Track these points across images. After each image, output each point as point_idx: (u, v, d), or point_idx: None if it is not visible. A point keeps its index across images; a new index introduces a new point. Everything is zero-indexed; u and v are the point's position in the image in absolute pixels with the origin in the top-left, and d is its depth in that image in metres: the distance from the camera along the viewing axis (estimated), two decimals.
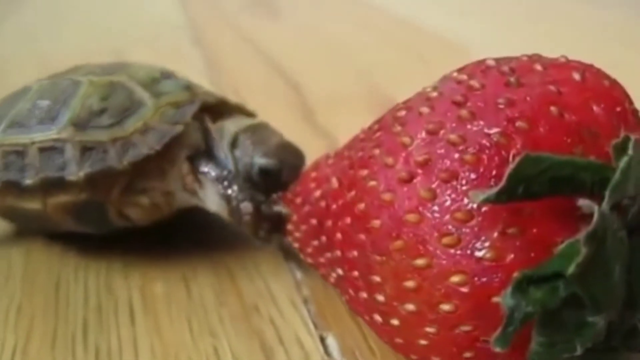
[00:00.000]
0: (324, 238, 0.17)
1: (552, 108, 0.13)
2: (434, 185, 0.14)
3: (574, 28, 0.51)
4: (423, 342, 0.14)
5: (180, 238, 0.23)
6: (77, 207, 0.21)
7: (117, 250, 0.23)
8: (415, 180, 0.14)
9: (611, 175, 0.12)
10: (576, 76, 0.14)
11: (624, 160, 0.12)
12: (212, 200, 0.21)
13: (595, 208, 0.12)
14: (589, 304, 0.12)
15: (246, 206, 0.20)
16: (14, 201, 0.21)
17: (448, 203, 0.13)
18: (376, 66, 0.44)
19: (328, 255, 0.17)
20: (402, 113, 0.16)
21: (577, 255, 0.12)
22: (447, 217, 0.13)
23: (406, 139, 0.15)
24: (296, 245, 0.19)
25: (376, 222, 0.15)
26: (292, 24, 0.59)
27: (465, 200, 0.13)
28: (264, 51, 0.49)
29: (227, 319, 0.19)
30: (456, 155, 0.13)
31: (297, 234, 0.19)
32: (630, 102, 0.15)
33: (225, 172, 0.21)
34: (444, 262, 0.13)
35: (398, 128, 0.15)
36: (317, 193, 0.18)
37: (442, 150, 0.14)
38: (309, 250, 0.19)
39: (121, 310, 0.20)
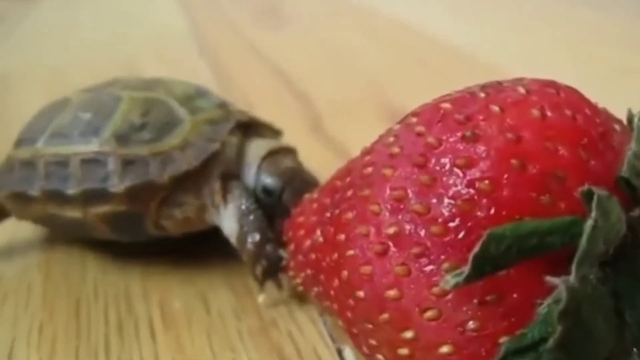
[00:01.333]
0: (320, 289, 0.18)
1: (513, 161, 0.13)
2: (407, 261, 0.13)
3: (573, 31, 0.51)
4: None
5: (198, 256, 0.24)
6: (116, 217, 0.22)
7: (135, 269, 0.24)
8: (389, 254, 0.14)
9: (580, 228, 0.12)
10: (535, 113, 0.14)
11: (588, 226, 0.12)
12: (228, 221, 0.22)
13: (563, 286, 0.11)
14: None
15: (254, 236, 0.21)
16: (56, 209, 0.22)
17: (423, 279, 0.13)
18: (382, 74, 0.44)
19: (327, 304, 0.18)
20: (369, 170, 0.15)
21: (554, 332, 0.12)
22: (425, 292, 0.13)
23: (374, 207, 0.14)
24: (300, 288, 0.20)
25: (360, 293, 0.15)
26: (297, 33, 0.60)
27: (439, 275, 0.13)
28: (271, 60, 0.50)
29: (246, 334, 0.20)
30: (423, 228, 0.13)
31: (298, 279, 0.19)
32: (598, 116, 0.14)
33: (249, 200, 0.22)
34: (430, 335, 0.13)
35: (366, 192, 0.15)
36: (308, 243, 0.18)
37: (409, 222, 0.14)
38: (313, 293, 0.19)
39: (142, 328, 0.21)
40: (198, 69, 0.49)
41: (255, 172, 0.23)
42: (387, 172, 0.14)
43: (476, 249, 0.12)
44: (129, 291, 0.23)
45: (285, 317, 0.21)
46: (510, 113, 0.14)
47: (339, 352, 0.19)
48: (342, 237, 0.15)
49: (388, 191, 0.14)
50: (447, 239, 0.13)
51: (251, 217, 0.21)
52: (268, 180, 0.22)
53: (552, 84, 0.15)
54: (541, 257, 0.13)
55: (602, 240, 0.12)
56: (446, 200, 0.13)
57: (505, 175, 0.13)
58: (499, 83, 0.15)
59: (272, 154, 0.23)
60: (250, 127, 0.24)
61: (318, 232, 0.17)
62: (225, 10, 0.72)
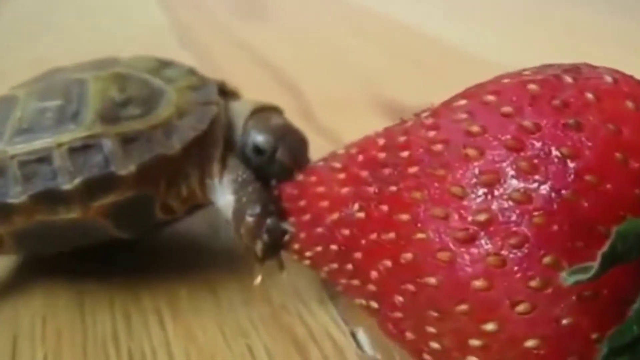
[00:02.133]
0: (349, 266, 0.16)
1: (617, 155, 0.13)
2: (502, 252, 0.13)
3: (573, 32, 0.51)
4: None
5: (204, 249, 0.23)
6: (122, 207, 0.19)
7: (140, 262, 0.22)
8: (478, 243, 0.13)
9: None
10: (630, 105, 0.13)
11: None
12: (224, 195, 0.20)
13: None
14: None
15: (253, 208, 0.19)
16: (46, 214, 0.19)
17: (520, 271, 0.13)
18: (371, 67, 0.44)
19: (355, 282, 0.17)
20: (440, 148, 0.14)
21: None
22: (520, 285, 0.13)
23: (456, 190, 0.13)
24: (307, 262, 0.18)
25: (431, 280, 0.14)
26: (280, 26, 0.58)
27: (538, 268, 0.12)
28: (256, 53, 0.49)
29: (257, 320, 0.20)
30: (523, 217, 0.13)
31: (307, 254, 0.18)
32: None
33: (247, 171, 0.20)
34: (517, 328, 0.13)
35: (441, 171, 0.14)
36: (335, 216, 0.17)
37: (506, 209, 0.13)
38: (325, 269, 0.18)
39: (150, 318, 0.20)
40: (181, 61, 0.46)
41: (242, 132, 0.21)
42: (472, 152, 0.13)
43: (605, 247, 0.11)
44: (134, 283, 0.21)
45: (294, 301, 0.20)
46: (608, 103, 0.13)
47: (353, 335, 0.19)
48: (406, 217, 0.14)
49: (476, 173, 0.13)
50: (550, 230, 0.12)
51: (249, 188, 0.19)
52: (259, 138, 0.21)
53: (624, 73, 0.15)
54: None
55: None
56: (550, 190, 0.13)
57: (611, 169, 0.13)
58: (576, 66, 0.14)
59: (258, 112, 0.21)
60: (226, 92, 0.22)
61: (356, 206, 0.16)
62: (205, 3, 0.69)
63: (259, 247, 0.19)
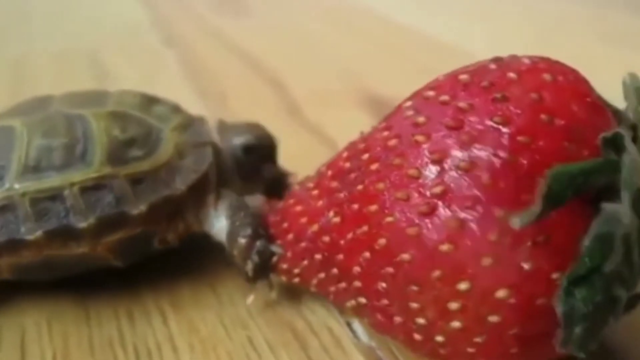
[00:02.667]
0: (334, 270, 0.18)
1: (543, 116, 0.15)
2: (460, 215, 0.14)
3: (574, 33, 0.53)
4: (471, 349, 0.15)
5: (203, 250, 0.24)
6: (127, 242, 0.21)
7: (140, 265, 0.23)
8: (438, 212, 0.15)
9: (617, 170, 0.14)
10: (548, 77, 0.15)
11: (627, 158, 0.13)
12: (219, 220, 0.22)
13: (619, 209, 0.13)
14: (619, 285, 0.14)
15: (245, 230, 0.21)
16: (56, 249, 0.20)
17: (478, 228, 0.14)
18: (355, 62, 0.45)
19: (342, 285, 0.18)
20: (393, 142, 0.16)
21: (610, 252, 0.13)
22: (482, 241, 0.14)
23: (413, 171, 0.15)
24: (296, 280, 0.20)
25: (405, 256, 0.15)
26: (262, 22, 0.59)
27: (493, 222, 0.14)
28: (240, 49, 0.49)
29: (256, 314, 0.21)
30: (472, 182, 0.14)
31: (295, 270, 0.19)
32: (592, 89, 0.16)
33: (239, 198, 0.22)
34: (486, 281, 0.14)
35: (397, 160, 0.16)
36: (314, 228, 0.18)
37: (456, 178, 0.15)
38: (315, 282, 0.19)
39: (153, 315, 0.21)
40: (164, 60, 0.47)
41: (226, 146, 0.23)
42: (420, 138, 0.15)
43: (543, 188, 0.13)
44: (136, 283, 0.22)
45: (293, 296, 0.21)
46: (528, 77, 0.15)
47: (349, 325, 0.20)
48: (374, 207, 0.16)
49: (427, 154, 0.15)
50: (497, 188, 0.14)
51: (242, 213, 0.21)
52: (242, 139, 0.23)
53: (543, 57, 0.17)
54: (574, 203, 0.14)
55: (636, 173, 0.14)
56: (491, 154, 0.14)
57: (539, 128, 0.14)
58: (500, 58, 0.17)
59: (220, 125, 0.24)
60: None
61: (331, 213, 0.18)
62: (186, 0, 0.70)
63: (249, 267, 0.20)
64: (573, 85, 0.15)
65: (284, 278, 0.20)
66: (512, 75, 0.15)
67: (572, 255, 0.14)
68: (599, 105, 0.16)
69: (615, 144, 0.14)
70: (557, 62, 0.16)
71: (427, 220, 0.15)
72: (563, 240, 0.14)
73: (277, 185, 0.24)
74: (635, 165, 0.14)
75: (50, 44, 0.53)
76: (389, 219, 0.15)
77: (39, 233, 0.20)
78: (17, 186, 0.20)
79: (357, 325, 0.20)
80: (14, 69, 0.47)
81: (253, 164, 0.23)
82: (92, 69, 0.46)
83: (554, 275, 0.14)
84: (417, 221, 0.15)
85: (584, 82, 0.16)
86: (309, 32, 0.55)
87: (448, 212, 0.14)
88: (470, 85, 0.16)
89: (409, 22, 0.55)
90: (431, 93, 0.16)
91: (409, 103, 0.17)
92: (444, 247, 0.14)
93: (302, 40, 0.52)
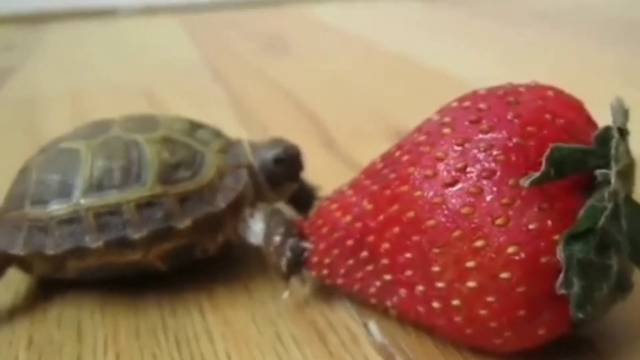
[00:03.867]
0: (364, 253, 0.20)
1: (547, 115, 0.18)
2: (478, 183, 0.17)
3: (572, 63, 0.57)
4: (483, 312, 0.18)
5: (237, 250, 0.26)
6: (174, 251, 0.24)
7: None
8: (461, 183, 0.18)
9: (607, 156, 0.17)
10: (551, 93, 0.19)
11: (614, 140, 0.17)
12: (256, 225, 0.24)
13: (611, 172, 0.16)
14: (609, 249, 0.17)
15: (279, 230, 0.23)
16: (114, 257, 0.23)
17: (493, 194, 0.17)
18: (386, 100, 0.48)
19: (369, 268, 0.20)
20: (423, 138, 0.19)
21: (604, 210, 0.16)
22: (496, 204, 0.17)
23: (440, 154, 0.18)
24: (325, 272, 0.22)
25: (431, 222, 0.18)
26: (301, 62, 0.64)
27: (506, 189, 0.17)
28: (280, 86, 0.54)
29: (284, 313, 0.23)
30: (490, 157, 0.18)
31: (326, 260, 0.22)
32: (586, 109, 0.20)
33: (273, 206, 0.24)
34: (500, 238, 0.17)
35: (427, 148, 0.19)
36: (347, 218, 0.21)
37: (476, 156, 0.18)
38: (342, 271, 0.22)
39: (192, 310, 0.24)
40: (214, 95, 0.51)
41: (259, 161, 0.26)
42: (446, 130, 0.19)
43: (546, 154, 0.16)
44: (177, 284, 0.25)
45: (316, 298, 0.24)
46: (534, 91, 0.19)
47: (365, 325, 0.22)
48: (405, 187, 0.19)
49: (452, 141, 0.18)
50: (509, 163, 0.17)
51: (276, 217, 0.24)
52: (273, 152, 0.26)
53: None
54: (573, 184, 0.17)
55: (624, 154, 0.17)
56: (506, 138, 0.18)
57: (544, 123, 0.18)
58: (512, 83, 0.20)
59: (251, 144, 0.27)
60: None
61: (364, 202, 0.21)
62: (232, 41, 0.76)
63: (283, 262, 0.23)
64: (572, 100, 0.19)
65: (313, 273, 0.22)
66: (522, 89, 0.19)
67: (571, 222, 0.17)
68: (591, 119, 0.19)
69: (604, 138, 0.18)
70: (558, 89, 0.20)
71: (450, 189, 0.18)
72: (563, 209, 0.17)
73: (305, 197, 0.27)
74: (622, 147, 0.17)
75: (107, 79, 0.59)
76: (418, 193, 0.18)
77: (100, 242, 0.23)
78: (82, 202, 0.23)
79: (372, 325, 0.22)
80: (74, 100, 0.52)
81: (282, 173, 0.26)
82: (147, 101, 0.50)
83: (556, 237, 0.17)
84: (443, 191, 0.18)
85: (580, 101, 0.20)
86: (344, 72, 0.59)
87: (469, 182, 0.18)
88: (488, 95, 0.19)
89: (437, 65, 0.59)
90: (455, 104, 0.20)
91: (436, 115, 0.20)
92: (465, 210, 0.17)
93: (337, 80, 0.56)
